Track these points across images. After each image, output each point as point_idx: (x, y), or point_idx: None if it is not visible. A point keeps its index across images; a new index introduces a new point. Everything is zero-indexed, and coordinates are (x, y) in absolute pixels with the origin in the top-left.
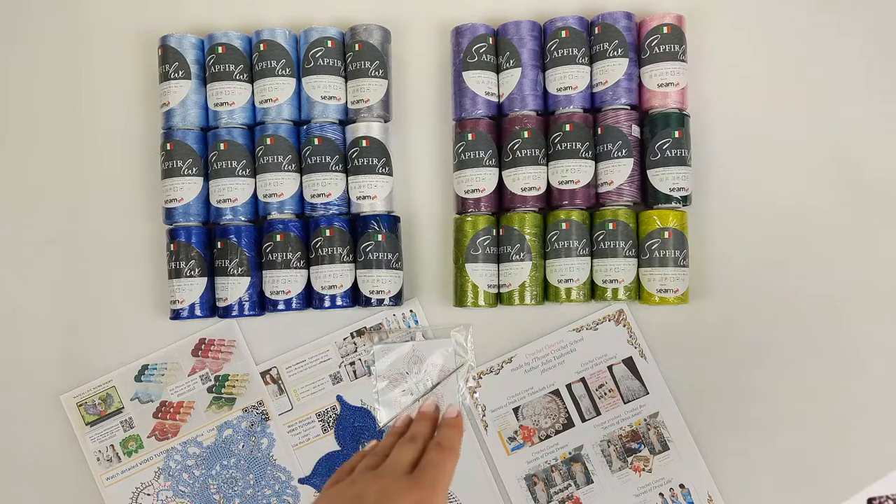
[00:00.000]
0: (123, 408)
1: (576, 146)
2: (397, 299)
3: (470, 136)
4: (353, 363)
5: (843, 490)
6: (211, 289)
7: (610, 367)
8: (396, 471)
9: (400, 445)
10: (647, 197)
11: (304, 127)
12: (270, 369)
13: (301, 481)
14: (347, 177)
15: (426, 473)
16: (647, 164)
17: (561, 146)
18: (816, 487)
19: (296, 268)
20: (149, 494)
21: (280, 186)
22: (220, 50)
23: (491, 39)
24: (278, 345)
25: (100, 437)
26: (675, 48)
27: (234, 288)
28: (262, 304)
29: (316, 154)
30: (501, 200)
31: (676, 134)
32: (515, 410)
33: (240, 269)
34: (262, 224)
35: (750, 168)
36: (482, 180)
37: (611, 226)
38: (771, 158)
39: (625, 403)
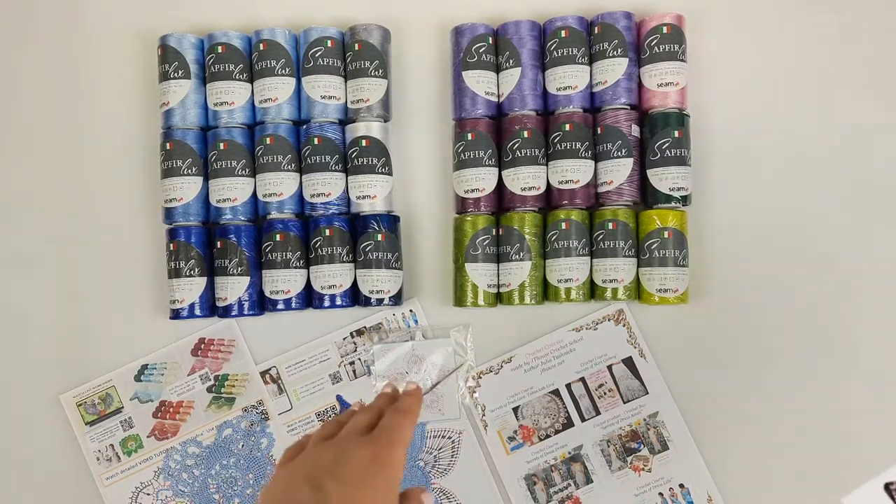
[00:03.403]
0: (123, 407)
1: (575, 146)
2: (397, 299)
3: (470, 136)
4: (352, 363)
5: (843, 489)
6: (210, 288)
7: (609, 367)
8: (349, 434)
9: (356, 414)
10: (647, 197)
11: (304, 127)
12: (270, 369)
13: None
14: (347, 176)
15: (382, 432)
16: (646, 163)
17: (561, 146)
18: (816, 487)
19: (295, 267)
20: (148, 494)
21: (280, 186)
22: (219, 50)
23: (491, 39)
24: (278, 344)
25: (99, 436)
26: (674, 48)
27: (233, 288)
28: (261, 303)
29: (316, 154)
30: (501, 200)
31: (676, 134)
32: (515, 410)
33: (239, 269)
34: (261, 224)
35: (750, 168)
36: (482, 180)
37: (610, 225)
38: (771, 158)
39: (624, 403)
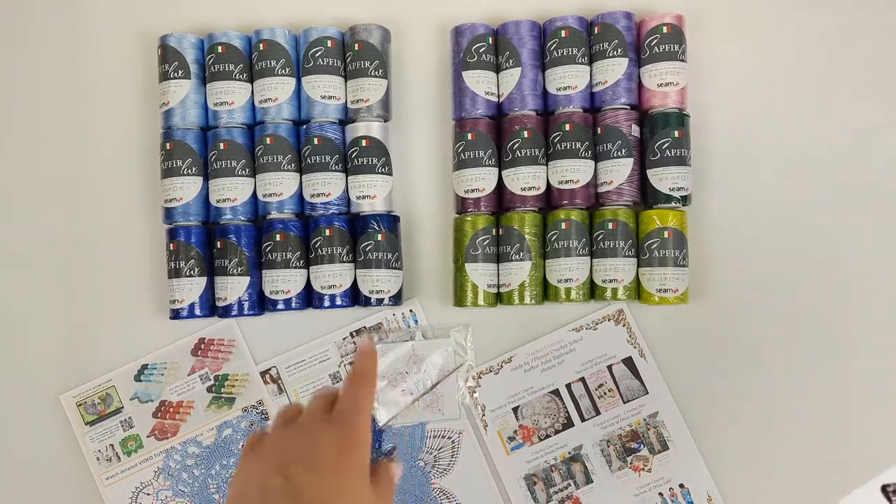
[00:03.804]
0: (123, 407)
1: (575, 146)
2: (397, 299)
3: (469, 136)
4: (352, 363)
5: (842, 490)
6: (210, 288)
7: (609, 367)
8: (312, 417)
9: (316, 394)
10: (647, 197)
11: (304, 126)
12: (270, 369)
13: None
14: (347, 176)
15: (342, 410)
16: (646, 163)
17: (561, 146)
18: (816, 487)
19: (295, 267)
20: (148, 494)
21: (280, 186)
22: (219, 49)
23: (491, 39)
24: (278, 344)
25: (99, 436)
26: (674, 48)
27: (233, 287)
28: (261, 303)
29: (316, 154)
30: (501, 200)
31: (676, 134)
32: (515, 410)
33: (239, 269)
34: (261, 224)
35: (750, 168)
36: (482, 180)
37: (610, 225)
38: (771, 158)
39: (624, 403)
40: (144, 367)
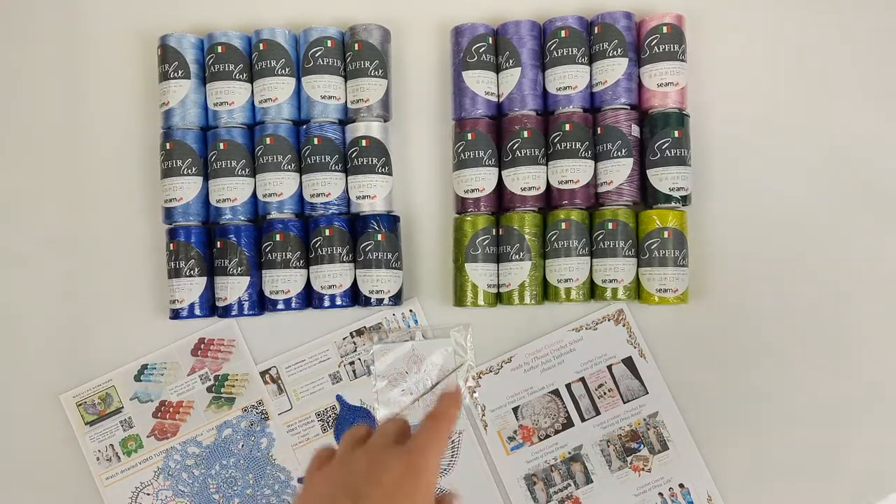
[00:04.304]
0: (123, 407)
1: (575, 146)
2: (397, 299)
3: (469, 136)
4: (352, 363)
5: (843, 489)
6: (210, 288)
7: (609, 367)
8: (384, 440)
9: (385, 423)
10: (647, 197)
11: (304, 126)
12: (270, 369)
13: (300, 481)
14: (347, 176)
15: (416, 440)
16: (646, 163)
17: (560, 146)
18: (816, 487)
19: (295, 267)
20: (148, 494)
21: (280, 186)
22: (219, 49)
23: (491, 39)
24: (278, 344)
25: (99, 436)
26: (674, 48)
27: (233, 287)
28: (261, 303)
29: (315, 154)
30: (501, 200)
31: (676, 134)
32: (515, 410)
33: (239, 269)
34: (261, 224)
35: (750, 168)
36: (482, 180)
37: (610, 225)
38: (771, 158)
39: (624, 403)
40: (144, 367)
